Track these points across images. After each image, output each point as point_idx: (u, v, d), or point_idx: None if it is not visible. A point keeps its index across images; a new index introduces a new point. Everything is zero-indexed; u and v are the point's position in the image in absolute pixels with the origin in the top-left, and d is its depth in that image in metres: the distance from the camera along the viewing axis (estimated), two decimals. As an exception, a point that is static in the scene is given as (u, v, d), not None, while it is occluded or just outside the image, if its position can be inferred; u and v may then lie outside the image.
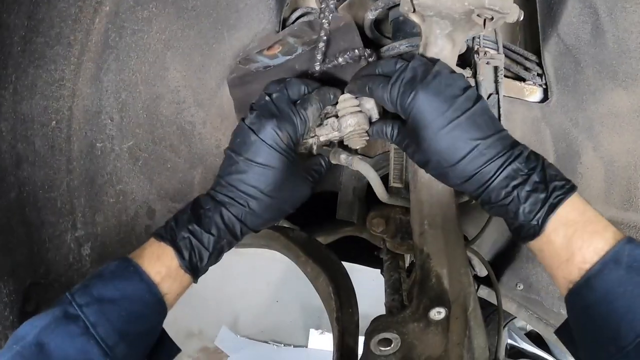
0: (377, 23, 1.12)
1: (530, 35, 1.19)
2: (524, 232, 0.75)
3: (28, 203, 0.94)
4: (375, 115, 0.92)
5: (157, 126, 1.06)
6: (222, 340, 3.12)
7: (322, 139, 0.95)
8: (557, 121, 1.12)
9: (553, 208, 0.71)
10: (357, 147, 0.94)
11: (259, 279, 3.24)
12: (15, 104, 0.89)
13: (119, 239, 1.08)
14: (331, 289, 1.18)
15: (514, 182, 0.73)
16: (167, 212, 1.12)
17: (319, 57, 0.95)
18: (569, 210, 0.71)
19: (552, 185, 0.72)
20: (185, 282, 0.82)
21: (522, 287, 1.28)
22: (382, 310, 1.12)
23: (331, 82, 0.97)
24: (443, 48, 0.84)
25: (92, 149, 1.01)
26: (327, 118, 0.94)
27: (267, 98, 0.86)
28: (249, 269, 3.12)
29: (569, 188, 0.72)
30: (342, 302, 1.18)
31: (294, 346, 3.10)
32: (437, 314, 0.87)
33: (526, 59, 1.12)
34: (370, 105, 0.92)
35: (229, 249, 0.89)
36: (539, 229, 0.72)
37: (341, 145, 0.98)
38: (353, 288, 1.20)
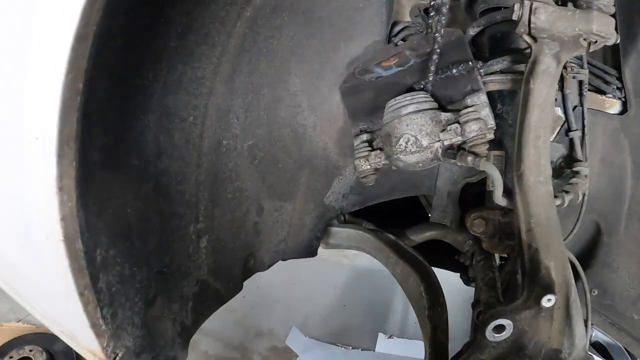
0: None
1: (609, 51, 1.29)
2: None
3: (162, 193, 0.98)
4: (490, 122, 1.03)
5: (274, 127, 1.13)
6: (292, 340, 3.19)
7: (445, 143, 1.03)
8: (636, 132, 1.21)
9: None
10: (483, 154, 1.02)
11: (326, 283, 3.40)
12: (163, 98, 0.94)
13: (231, 234, 1.13)
14: (422, 289, 1.24)
15: None
16: (274, 210, 1.17)
17: (433, 68, 1.04)
18: None
19: None
20: None
21: (596, 292, 1.34)
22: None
23: (440, 93, 1.06)
24: (549, 66, 0.99)
25: (219, 145, 1.06)
26: (450, 124, 1.03)
27: None
28: (315, 274, 3.29)
29: None
30: (432, 300, 1.24)
31: (362, 349, 3.18)
32: (548, 301, 0.96)
33: (606, 73, 1.22)
34: (485, 112, 1.03)
35: None
36: None
37: (460, 149, 1.06)
38: (441, 288, 1.26)
